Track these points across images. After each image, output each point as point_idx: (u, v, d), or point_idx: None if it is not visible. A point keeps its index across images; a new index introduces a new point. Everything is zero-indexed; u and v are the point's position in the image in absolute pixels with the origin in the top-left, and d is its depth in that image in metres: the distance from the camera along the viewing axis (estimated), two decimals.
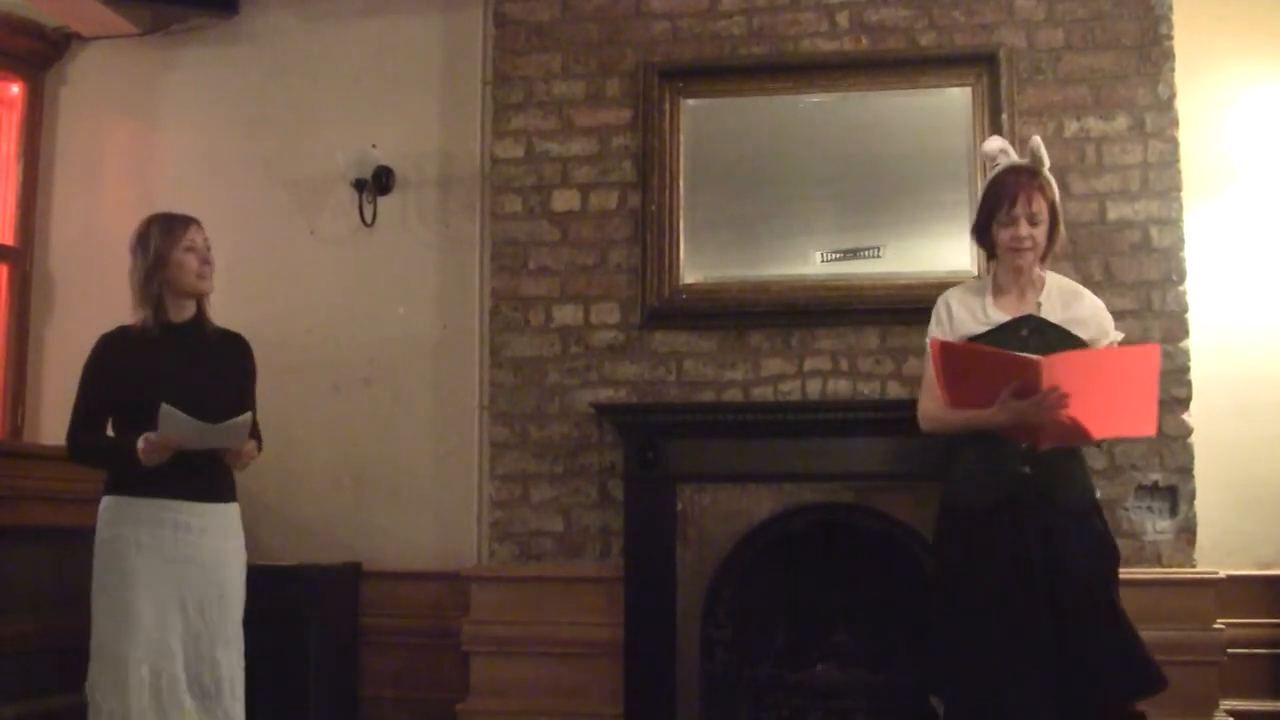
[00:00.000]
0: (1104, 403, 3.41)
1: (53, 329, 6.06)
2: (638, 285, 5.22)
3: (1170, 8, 5.05)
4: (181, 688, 3.67)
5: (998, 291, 3.80)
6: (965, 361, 3.55)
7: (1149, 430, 3.56)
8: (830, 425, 4.96)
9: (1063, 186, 4.97)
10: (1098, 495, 3.74)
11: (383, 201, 5.78)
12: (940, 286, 4.70)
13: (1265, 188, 5.23)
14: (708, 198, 5.26)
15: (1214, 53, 5.25)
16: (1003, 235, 3.73)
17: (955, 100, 5.17)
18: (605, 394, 5.20)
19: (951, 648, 3.63)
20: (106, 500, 3.82)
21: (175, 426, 3.61)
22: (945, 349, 3.52)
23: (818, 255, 5.14)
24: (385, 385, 5.72)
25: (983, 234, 3.84)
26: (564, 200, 5.34)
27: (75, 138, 6.17)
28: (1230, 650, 4.74)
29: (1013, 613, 3.49)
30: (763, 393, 5.11)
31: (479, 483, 5.51)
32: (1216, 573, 4.82)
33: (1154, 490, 4.84)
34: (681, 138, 5.28)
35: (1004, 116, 5.04)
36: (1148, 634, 4.58)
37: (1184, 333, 4.91)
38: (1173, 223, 4.97)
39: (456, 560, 5.47)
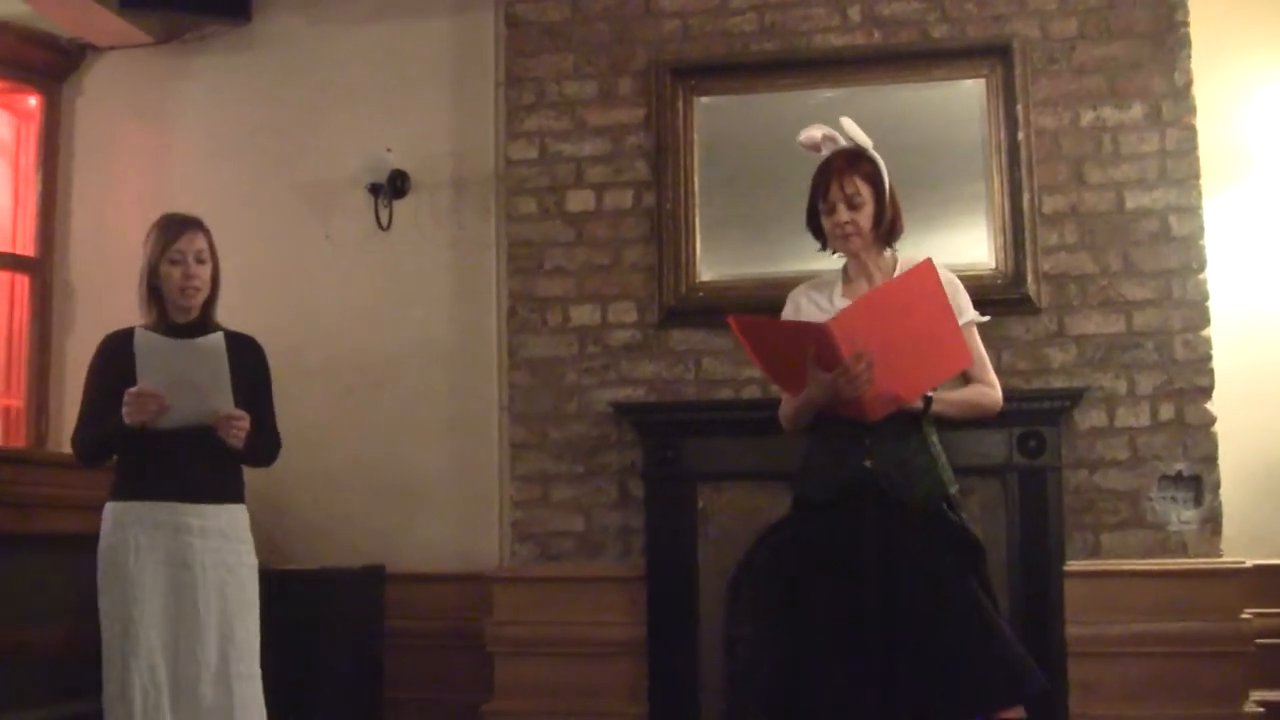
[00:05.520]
0: (910, 350, 3.20)
1: (74, 338, 6.02)
2: (654, 284, 5.18)
3: None
4: (165, 696, 3.52)
5: (847, 280, 3.56)
6: (765, 337, 3.40)
7: (964, 361, 3.34)
8: None
9: (1079, 176, 4.97)
10: (954, 490, 3.39)
11: (398, 205, 5.74)
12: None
13: None
14: (722, 195, 5.21)
15: (1231, 39, 5.14)
16: (826, 224, 3.51)
17: (969, 92, 5.10)
18: (623, 393, 5.16)
19: (771, 643, 3.50)
20: (109, 507, 3.68)
21: (150, 353, 3.49)
22: (740, 325, 3.33)
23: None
24: (403, 388, 5.68)
25: (814, 225, 3.58)
26: (578, 200, 5.30)
27: (92, 147, 6.14)
28: (1258, 640, 4.65)
29: (839, 615, 3.23)
30: None
31: (499, 484, 5.48)
32: (1243, 562, 4.73)
33: (1178, 480, 4.76)
34: (695, 136, 5.23)
35: (1019, 107, 4.98)
36: (1174, 626, 4.60)
37: (1205, 321, 4.83)
38: (1192, 210, 4.88)
39: (478, 561, 5.44)
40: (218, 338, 3.56)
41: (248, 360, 3.82)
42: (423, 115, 5.79)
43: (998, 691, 3.24)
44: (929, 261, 3.24)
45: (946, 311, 3.25)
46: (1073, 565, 4.73)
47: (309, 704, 4.95)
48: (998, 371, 3.60)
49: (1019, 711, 3.43)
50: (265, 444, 3.83)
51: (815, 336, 3.18)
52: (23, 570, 4.82)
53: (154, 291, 3.74)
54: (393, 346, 5.70)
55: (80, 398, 3.80)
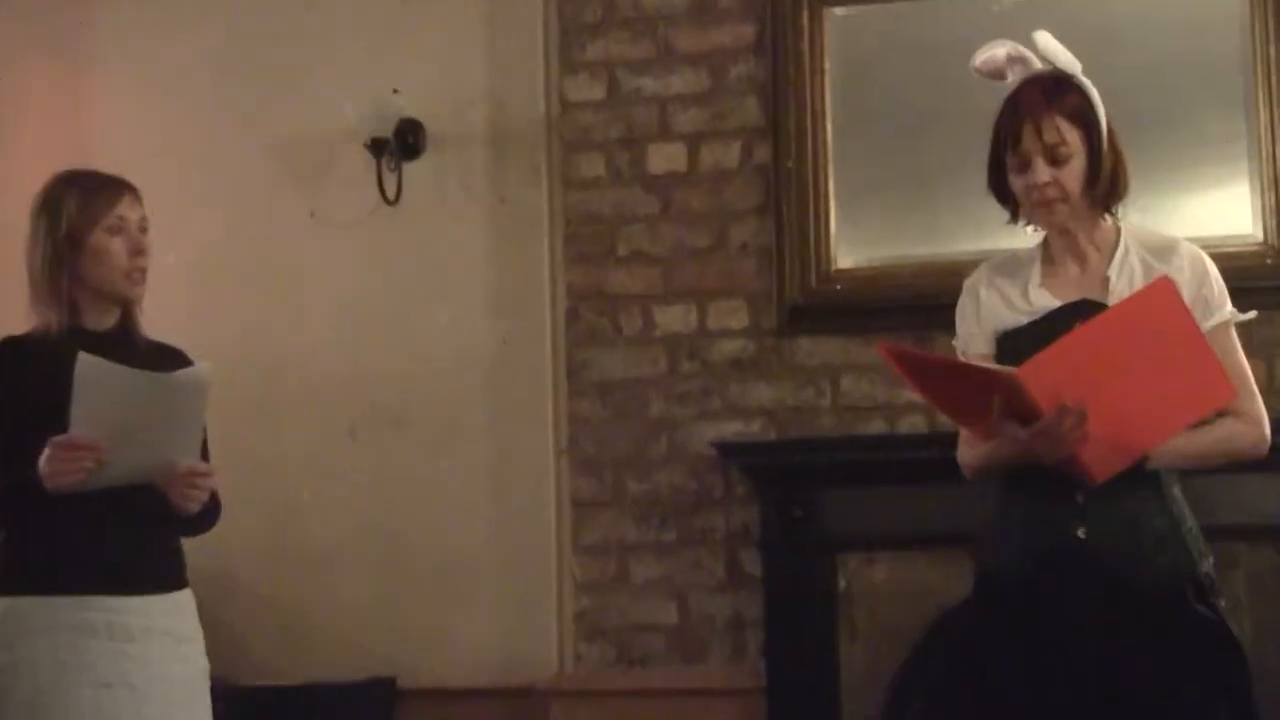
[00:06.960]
0: (1143, 392, 3.00)
1: None
2: (771, 274, 5.20)
3: None
4: None
5: (1049, 261, 3.34)
6: (929, 372, 3.29)
7: (1226, 393, 3.06)
8: None
9: None
10: (1205, 568, 3.18)
11: (409, 169, 5.71)
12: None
13: None
14: (867, 147, 5.22)
15: None
16: (1017, 185, 3.24)
17: None
18: (732, 428, 5.17)
19: None
20: (1, 605, 3.38)
21: (97, 385, 3.20)
22: (896, 358, 3.21)
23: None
24: (424, 426, 5.64)
25: (999, 186, 3.31)
26: (664, 157, 5.32)
27: None
28: None
29: None
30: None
31: (557, 559, 5.45)
32: None
33: None
34: (827, 63, 5.24)
35: None
36: None
37: None
38: None
39: (528, 670, 5.41)
40: (206, 369, 3.32)
41: None
42: (443, 43, 5.77)
43: None
44: (1166, 280, 3.11)
45: (1196, 341, 3.10)
46: None
47: None
48: (1269, 392, 3.54)
49: None
50: (211, 504, 3.53)
51: (1002, 386, 2.95)
52: None
53: (73, 278, 3.42)
54: (408, 368, 5.66)
55: None
